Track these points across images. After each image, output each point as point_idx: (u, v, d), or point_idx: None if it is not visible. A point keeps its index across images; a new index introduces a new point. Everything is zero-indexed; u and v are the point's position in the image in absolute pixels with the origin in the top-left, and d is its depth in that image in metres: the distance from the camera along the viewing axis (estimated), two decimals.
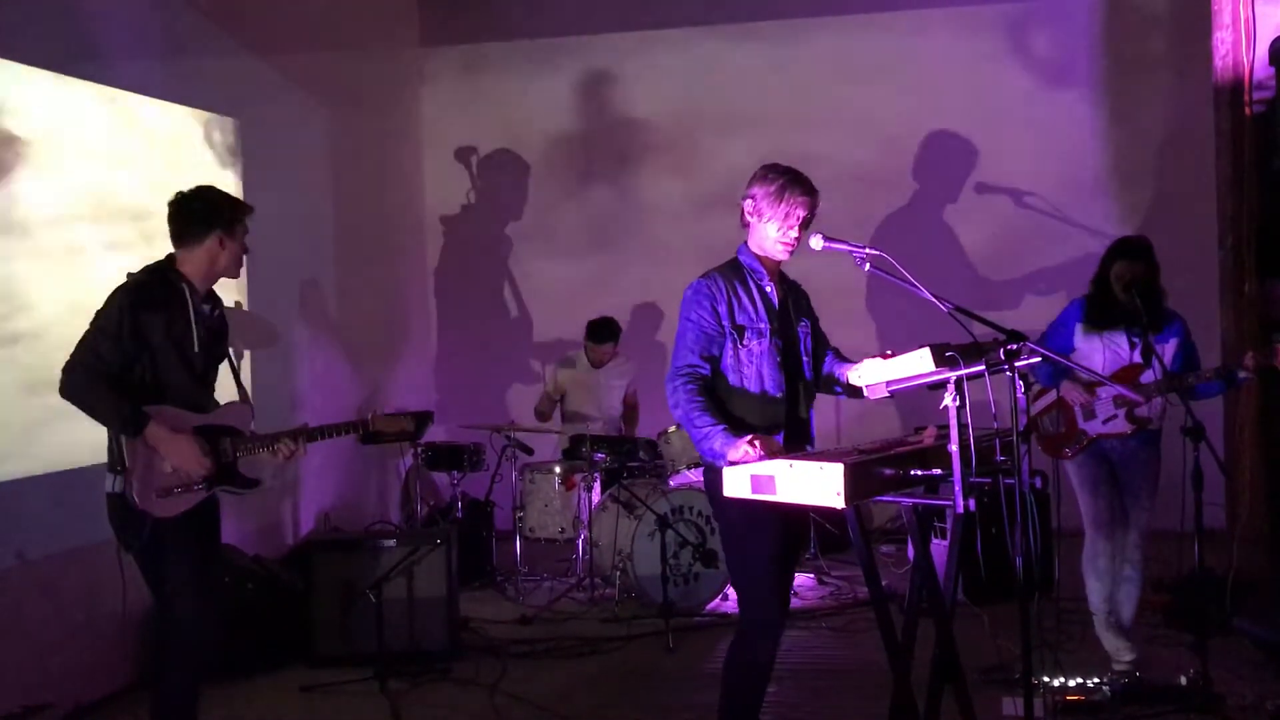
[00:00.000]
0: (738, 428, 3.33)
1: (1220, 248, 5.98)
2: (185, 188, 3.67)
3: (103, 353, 3.37)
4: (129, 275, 3.57)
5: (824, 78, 8.03)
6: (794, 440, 3.51)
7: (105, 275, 4.76)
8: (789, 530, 3.49)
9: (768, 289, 3.57)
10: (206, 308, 3.63)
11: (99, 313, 3.45)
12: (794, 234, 3.49)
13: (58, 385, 3.40)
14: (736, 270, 3.58)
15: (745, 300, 3.51)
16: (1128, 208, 7.61)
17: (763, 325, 3.50)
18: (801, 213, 3.48)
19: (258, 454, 3.67)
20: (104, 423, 3.41)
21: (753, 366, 3.48)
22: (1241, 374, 4.32)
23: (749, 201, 3.54)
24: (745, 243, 3.62)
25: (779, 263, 3.61)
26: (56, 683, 4.45)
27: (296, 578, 5.33)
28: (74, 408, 3.42)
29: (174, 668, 3.54)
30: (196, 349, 3.54)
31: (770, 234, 3.50)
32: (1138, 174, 7.65)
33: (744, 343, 3.47)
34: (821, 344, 3.72)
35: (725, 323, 3.47)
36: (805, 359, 3.62)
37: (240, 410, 3.71)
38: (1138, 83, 7.63)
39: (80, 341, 3.42)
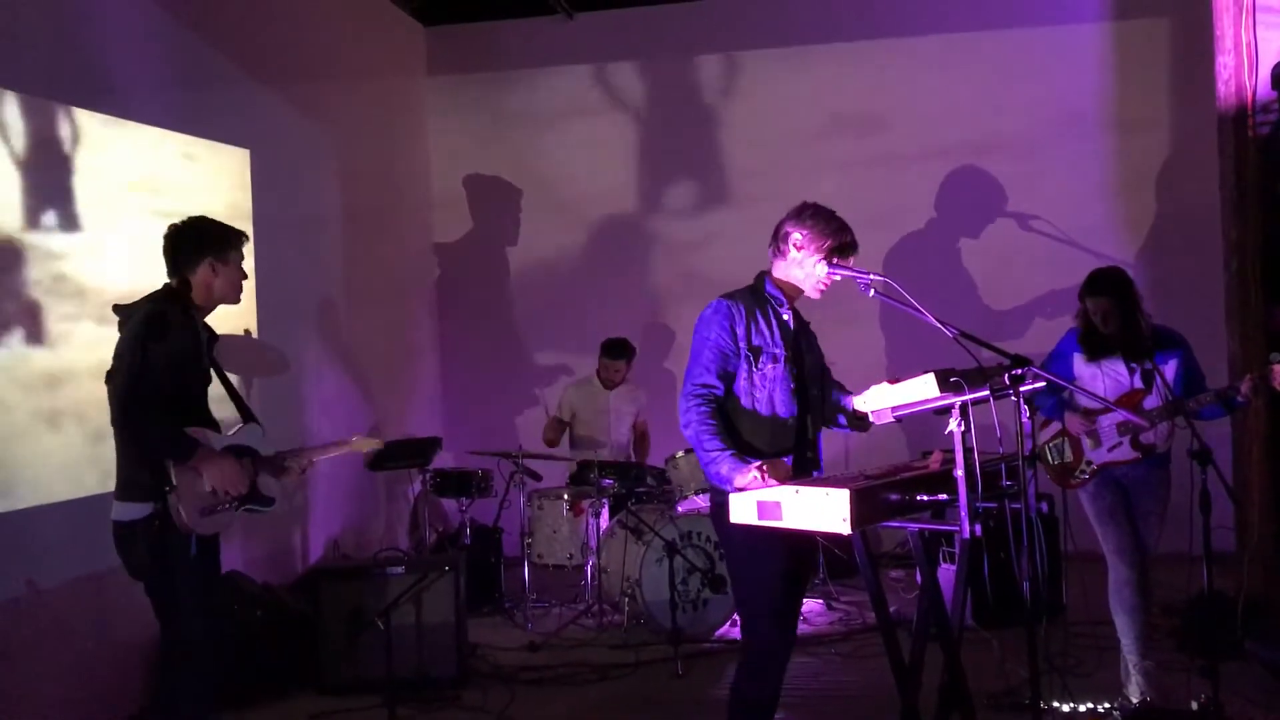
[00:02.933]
0: (746, 454, 3.34)
1: (1225, 271, 5.98)
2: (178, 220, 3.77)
3: (153, 382, 3.43)
4: (116, 307, 3.64)
5: (829, 105, 8.09)
6: (802, 466, 3.52)
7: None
8: (796, 556, 3.49)
9: (785, 316, 3.60)
10: (206, 333, 3.74)
11: (133, 342, 3.47)
12: (830, 281, 3.54)
13: (110, 419, 3.47)
14: (758, 296, 3.61)
15: (763, 324, 3.53)
16: (1133, 231, 7.64)
17: (778, 350, 3.52)
18: (850, 260, 3.55)
19: (273, 473, 3.81)
20: (158, 448, 3.46)
21: (765, 390, 3.49)
22: (1239, 399, 4.31)
23: (798, 233, 3.55)
24: (770, 271, 3.65)
25: (800, 294, 3.64)
26: (66, 710, 4.46)
27: (305, 605, 5.34)
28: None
29: (189, 694, 3.56)
30: (202, 372, 3.68)
31: (817, 272, 3.52)
32: (1142, 198, 7.68)
33: (759, 366, 3.49)
34: (828, 380, 3.75)
35: (741, 344, 3.48)
36: (815, 390, 3.64)
37: (253, 430, 3.82)
38: (1142, 106, 7.66)
39: (124, 373, 3.44)
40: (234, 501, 3.62)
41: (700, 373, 3.46)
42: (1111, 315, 4.40)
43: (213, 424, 3.69)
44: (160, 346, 3.46)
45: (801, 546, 3.49)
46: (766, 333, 3.53)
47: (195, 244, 3.68)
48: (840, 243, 3.53)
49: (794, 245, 3.56)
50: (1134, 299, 4.43)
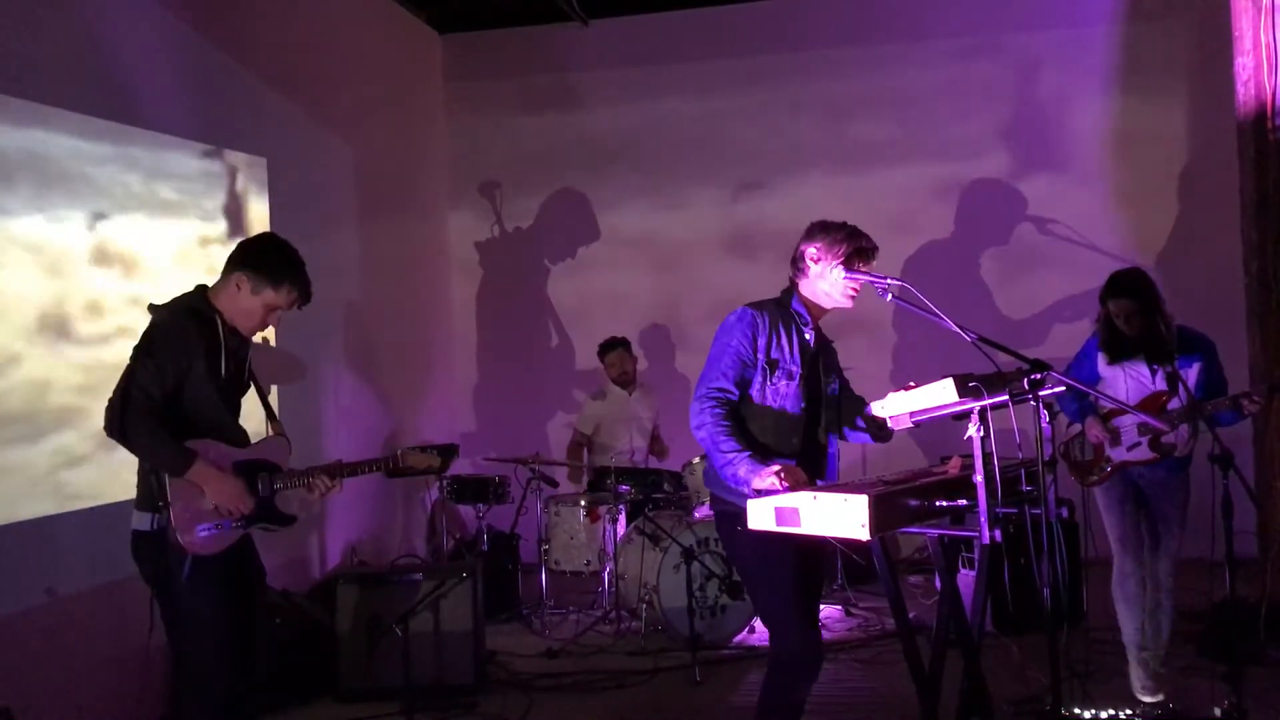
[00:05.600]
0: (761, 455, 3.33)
1: (1245, 274, 5.94)
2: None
3: (148, 387, 3.28)
4: (150, 306, 3.52)
5: (844, 110, 8.08)
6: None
7: (135, 313, 4.84)
8: (807, 559, 3.47)
9: (807, 336, 3.58)
10: (235, 339, 3.57)
11: (139, 348, 3.38)
12: (857, 286, 3.52)
13: (103, 422, 3.32)
14: (783, 310, 3.60)
15: (784, 339, 3.52)
16: (1152, 234, 7.58)
17: (794, 368, 3.51)
18: (870, 266, 3.53)
19: (295, 490, 3.62)
20: (150, 460, 3.34)
21: (776, 405, 3.48)
22: (1246, 404, 4.29)
23: (813, 248, 3.55)
24: (796, 288, 3.62)
25: (825, 313, 3.63)
26: (88, 716, 4.48)
27: (323, 612, 5.35)
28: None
29: (195, 710, 3.46)
30: (225, 379, 3.49)
31: (838, 280, 3.51)
32: (1162, 200, 7.63)
33: (773, 380, 3.48)
34: (851, 400, 3.70)
35: (760, 355, 3.48)
36: (830, 412, 3.61)
37: (278, 445, 3.67)
38: (1160, 108, 7.62)
39: (124, 377, 3.34)
40: (239, 521, 3.45)
41: (717, 377, 3.45)
42: (1134, 316, 4.39)
43: (235, 437, 3.54)
44: (164, 352, 3.32)
45: (812, 547, 3.46)
46: (786, 348, 3.52)
47: (241, 254, 3.53)
48: (855, 244, 3.51)
49: (811, 260, 3.55)
50: (1155, 300, 4.42)
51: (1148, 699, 4.48)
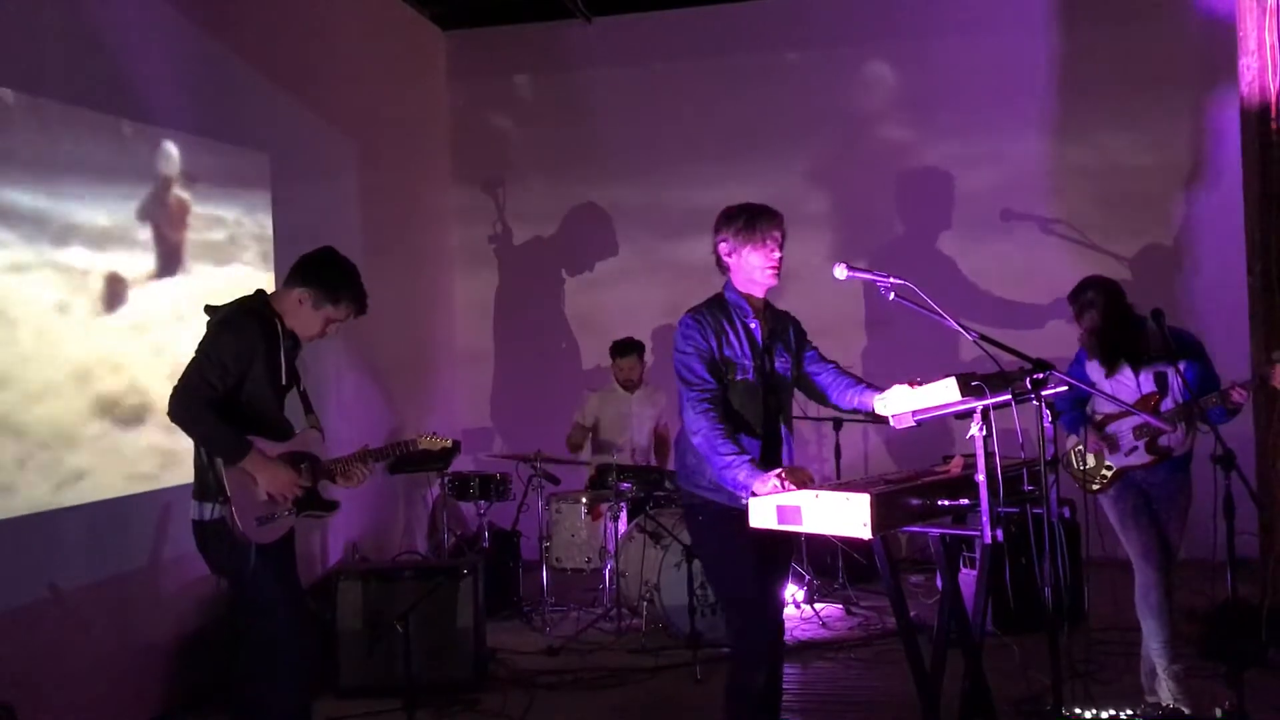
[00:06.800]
0: None
1: (1249, 273, 5.93)
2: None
3: (212, 380, 3.51)
4: (207, 308, 3.73)
5: (845, 107, 8.08)
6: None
7: (140, 313, 4.86)
8: (765, 551, 3.48)
9: (752, 326, 3.62)
10: (289, 340, 3.79)
11: (204, 341, 3.61)
12: (777, 255, 3.57)
13: (166, 407, 3.54)
14: (723, 307, 3.64)
15: (732, 336, 3.57)
16: (1155, 234, 7.57)
17: (747, 362, 3.55)
18: (777, 234, 3.58)
19: (334, 479, 3.86)
20: (210, 445, 3.55)
21: (735, 401, 3.52)
22: (1233, 394, 4.27)
23: (723, 244, 3.61)
24: (729, 282, 3.67)
25: (764, 298, 3.66)
26: (89, 711, 4.48)
27: (323, 608, 5.35)
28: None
29: (282, 686, 3.64)
30: (284, 380, 3.74)
31: (755, 263, 3.56)
32: (1165, 200, 7.62)
33: (729, 377, 3.52)
34: (808, 377, 3.74)
35: (715, 355, 3.52)
36: (788, 395, 3.67)
37: (313, 437, 3.87)
38: (1165, 109, 7.60)
39: (189, 367, 3.56)
40: (291, 508, 3.67)
41: (695, 377, 3.49)
42: (1079, 321, 4.46)
43: (284, 432, 3.74)
44: (229, 349, 3.54)
45: (772, 544, 3.47)
46: (736, 344, 3.56)
47: (301, 270, 3.78)
48: (760, 225, 3.54)
49: (724, 254, 3.63)
50: (1095, 304, 4.43)
51: (1166, 701, 4.43)
